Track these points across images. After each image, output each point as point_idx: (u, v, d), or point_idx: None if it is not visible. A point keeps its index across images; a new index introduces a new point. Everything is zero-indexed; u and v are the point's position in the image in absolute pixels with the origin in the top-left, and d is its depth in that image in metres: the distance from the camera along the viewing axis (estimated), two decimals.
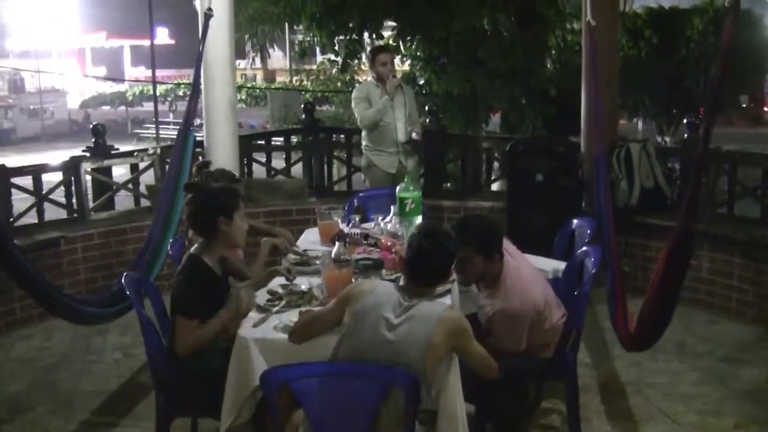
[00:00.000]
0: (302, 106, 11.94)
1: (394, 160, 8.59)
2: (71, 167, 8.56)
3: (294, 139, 11.08)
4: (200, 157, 7.90)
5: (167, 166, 8.01)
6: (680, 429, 5.77)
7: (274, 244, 5.96)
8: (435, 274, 4.26)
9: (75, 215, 8.63)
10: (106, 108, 54.31)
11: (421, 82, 14.93)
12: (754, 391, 6.36)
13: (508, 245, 5.09)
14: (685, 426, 5.80)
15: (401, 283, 4.26)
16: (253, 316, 4.74)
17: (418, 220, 6.12)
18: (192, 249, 4.93)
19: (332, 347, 4.16)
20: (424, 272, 4.22)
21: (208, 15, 7.62)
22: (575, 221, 6.39)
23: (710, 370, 6.78)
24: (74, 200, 8.63)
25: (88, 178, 8.75)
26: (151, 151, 9.10)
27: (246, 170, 10.19)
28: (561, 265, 5.91)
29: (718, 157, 8.25)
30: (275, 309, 4.79)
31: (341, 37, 14.57)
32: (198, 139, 8.12)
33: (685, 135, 9.08)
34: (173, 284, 4.85)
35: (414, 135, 8.54)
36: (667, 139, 19.58)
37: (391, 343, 3.97)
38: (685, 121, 9.65)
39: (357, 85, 13.14)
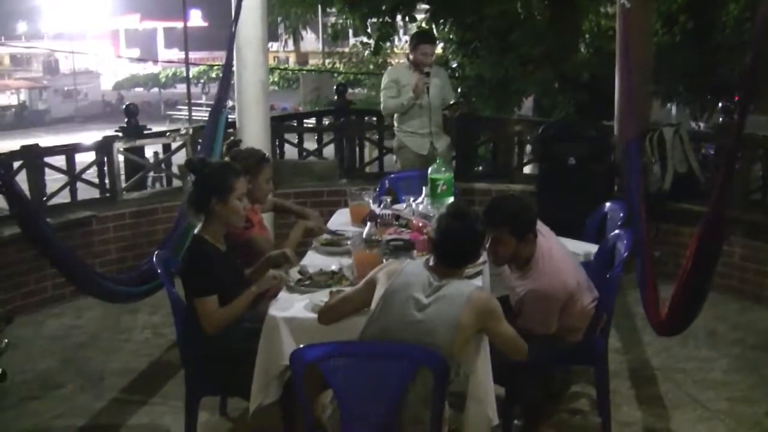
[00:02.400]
0: (334, 88, 11.93)
1: (426, 141, 8.56)
2: (104, 147, 8.60)
3: (326, 120, 11.08)
4: (231, 137, 7.91)
5: (199, 147, 8.03)
6: (711, 415, 5.73)
7: (308, 226, 5.96)
8: (464, 255, 4.23)
9: (107, 195, 8.67)
10: (139, 90, 54.66)
11: (454, 66, 14.88)
12: None
13: (541, 226, 5.05)
14: (715, 413, 5.76)
15: (431, 263, 4.24)
16: (283, 295, 4.75)
17: (449, 201, 6.09)
18: (195, 230, 4.92)
19: (361, 329, 4.15)
20: (452, 253, 4.19)
21: None
22: (608, 205, 6.34)
23: (741, 358, 6.73)
24: (106, 180, 8.67)
25: (121, 158, 8.79)
26: (183, 132, 9.12)
27: (278, 151, 10.21)
28: (593, 248, 5.87)
29: (752, 143, 8.18)
30: (303, 288, 4.79)
31: (374, 20, 14.56)
32: (231, 119, 8.14)
33: (720, 120, 9.01)
34: (180, 266, 4.86)
35: (446, 112, 8.57)
36: (701, 124, 19.45)
37: (420, 322, 3.95)
38: (720, 105, 9.57)
39: (389, 67, 13.15)
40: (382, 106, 8.72)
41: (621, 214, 6.04)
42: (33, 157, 8.02)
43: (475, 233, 4.20)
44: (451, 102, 8.68)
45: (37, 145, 8.17)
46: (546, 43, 13.47)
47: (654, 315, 5.52)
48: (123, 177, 8.87)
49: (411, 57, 8.52)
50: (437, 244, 4.20)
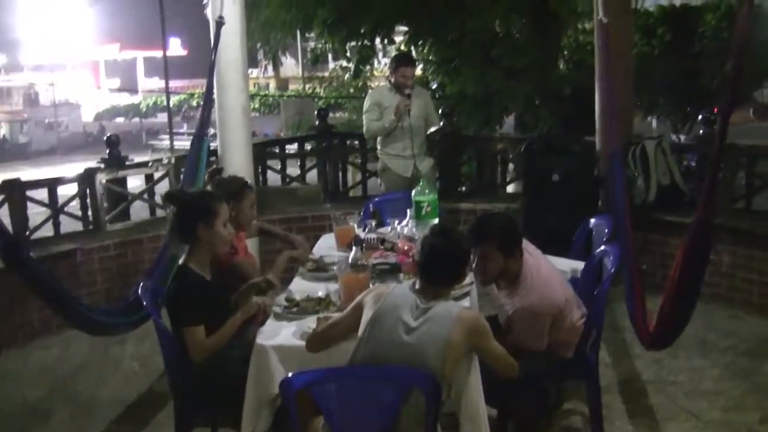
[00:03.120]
0: (316, 112, 11.96)
1: (409, 163, 8.57)
2: (86, 179, 8.57)
3: (308, 145, 11.07)
4: (214, 165, 7.89)
5: (182, 176, 8.01)
6: (704, 426, 5.72)
7: (293, 256, 5.95)
8: (450, 273, 4.22)
9: (91, 227, 8.62)
10: (120, 120, 54.68)
11: (434, 86, 14.91)
12: None
13: (526, 244, 5.06)
14: (708, 423, 5.75)
15: (417, 286, 4.23)
16: (271, 323, 4.73)
17: (434, 223, 6.08)
18: (180, 259, 4.91)
19: (349, 353, 4.13)
20: (438, 271, 4.18)
21: (220, 23, 7.63)
22: (593, 220, 6.35)
23: (733, 366, 6.72)
24: (90, 212, 8.63)
25: (104, 189, 8.75)
26: (165, 161, 9.11)
27: (261, 178, 10.19)
28: (579, 264, 5.86)
29: (735, 152, 8.21)
30: (291, 315, 4.77)
31: (353, 43, 14.59)
32: (212, 147, 8.13)
33: (701, 131, 9.05)
34: (166, 296, 4.84)
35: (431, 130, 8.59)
36: (682, 136, 19.52)
37: (409, 345, 3.94)
38: (700, 117, 9.61)
39: (370, 90, 13.17)
40: (364, 129, 8.73)
41: (606, 229, 6.05)
42: (15, 191, 7.99)
43: (459, 250, 4.20)
44: (433, 129, 8.67)
45: (18, 179, 8.15)
46: (527, 58, 13.52)
47: (642, 328, 5.52)
48: (106, 208, 8.82)
49: (392, 79, 8.54)
50: (422, 265, 4.20)
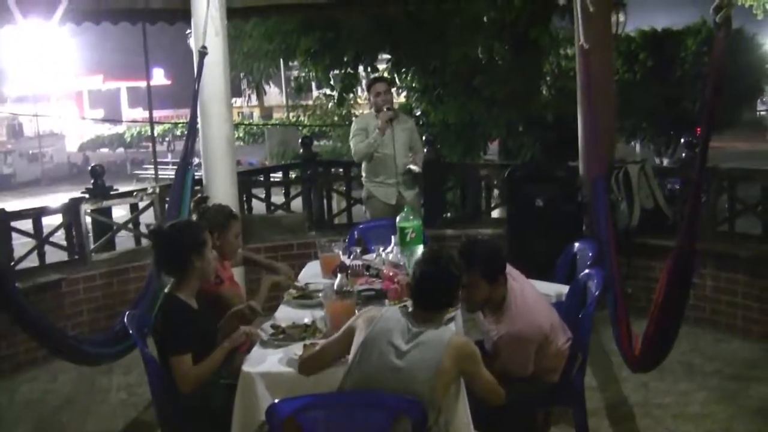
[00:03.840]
0: (300, 140, 11.97)
1: (393, 191, 8.60)
2: (71, 209, 8.56)
3: (293, 173, 11.09)
4: (199, 194, 7.90)
5: (167, 205, 8.01)
6: None
7: (275, 281, 5.96)
8: (440, 299, 4.25)
9: (76, 257, 8.61)
10: (104, 150, 54.46)
11: (418, 113, 14.95)
12: (765, 408, 6.33)
13: (510, 269, 5.07)
14: None
15: (409, 309, 4.25)
16: (257, 350, 4.73)
17: (419, 249, 6.10)
18: (166, 288, 4.91)
19: (338, 380, 4.14)
20: (429, 297, 4.21)
21: (203, 53, 7.65)
22: (577, 244, 6.38)
23: (719, 389, 6.74)
24: (75, 242, 8.61)
25: (88, 219, 8.75)
26: (150, 191, 9.11)
27: (246, 206, 10.20)
28: (564, 288, 5.89)
29: (718, 175, 8.26)
30: (277, 342, 4.78)
31: (336, 72, 14.64)
32: (197, 177, 8.13)
33: (683, 155, 9.10)
34: (153, 325, 4.83)
35: (412, 167, 8.55)
36: (665, 160, 19.60)
37: (399, 369, 3.95)
38: (682, 140, 9.66)
39: (354, 117, 13.18)
40: (353, 152, 8.78)
41: (590, 253, 6.07)
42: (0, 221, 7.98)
43: (449, 276, 4.22)
44: (411, 167, 8.64)
45: (3, 209, 8.13)
46: (509, 86, 13.56)
47: (628, 351, 5.53)
48: (91, 238, 8.81)
49: (370, 103, 8.63)
50: (414, 290, 4.23)
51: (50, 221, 8.65)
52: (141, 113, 53.52)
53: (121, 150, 52.68)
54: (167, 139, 47.36)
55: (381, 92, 8.58)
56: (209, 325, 4.98)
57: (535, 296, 5.09)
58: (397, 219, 6.32)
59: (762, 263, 7.73)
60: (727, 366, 7.25)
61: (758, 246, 7.99)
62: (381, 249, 6.29)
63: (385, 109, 8.47)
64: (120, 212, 9.49)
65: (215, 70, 8.13)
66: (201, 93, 7.95)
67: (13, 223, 8.17)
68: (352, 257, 6.20)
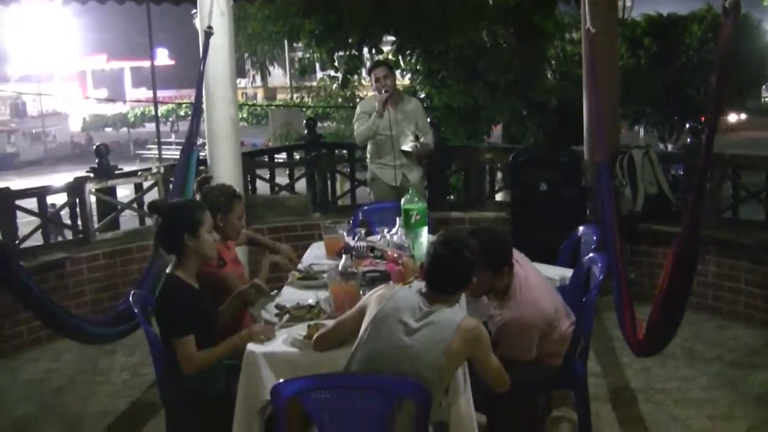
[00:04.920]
0: (304, 122, 11.95)
1: (398, 173, 8.60)
2: (75, 188, 8.56)
3: (297, 155, 11.08)
4: (203, 174, 7.91)
5: (171, 185, 8.01)
6: None
7: (274, 261, 5.96)
8: (453, 281, 4.24)
9: (80, 236, 8.62)
10: (108, 130, 54.50)
11: (422, 96, 14.93)
12: (766, 395, 6.34)
13: (517, 254, 5.07)
14: (697, 431, 5.77)
15: (422, 289, 4.25)
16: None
17: (424, 231, 6.11)
18: (167, 268, 4.91)
19: (342, 362, 4.15)
20: (442, 279, 4.21)
21: (209, 33, 7.64)
22: (581, 229, 6.38)
23: (720, 375, 6.76)
24: (79, 221, 8.62)
25: (93, 199, 8.75)
26: (154, 171, 9.10)
27: (250, 187, 10.20)
28: (568, 272, 5.90)
29: (722, 162, 8.25)
30: (281, 323, 4.78)
31: (341, 54, 14.62)
32: (202, 157, 8.14)
33: (688, 141, 9.09)
34: (154, 306, 4.84)
35: (405, 147, 8.55)
36: (669, 146, 19.58)
37: (407, 347, 3.96)
38: (687, 126, 9.67)
39: (359, 100, 13.16)
40: (355, 135, 8.78)
41: (594, 238, 6.08)
42: (4, 200, 7.98)
43: (463, 259, 4.19)
44: (407, 147, 8.63)
45: (8, 188, 8.13)
46: (513, 71, 13.55)
47: (632, 336, 5.54)
48: (95, 218, 8.82)
49: (372, 87, 8.66)
50: (427, 271, 4.22)
51: (54, 200, 8.65)
52: (144, 93, 53.46)
53: (124, 130, 52.72)
54: (170, 119, 47.40)
55: (381, 77, 8.57)
56: (210, 306, 4.98)
57: (540, 281, 5.09)
58: (402, 201, 6.31)
59: (765, 250, 7.72)
60: (729, 352, 7.26)
61: (762, 233, 7.99)
62: (385, 231, 6.29)
63: (383, 92, 8.48)
64: (124, 192, 9.50)
65: (221, 52, 8.11)
66: (206, 75, 7.94)
67: (18, 202, 8.16)
68: (356, 239, 6.20)
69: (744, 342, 7.50)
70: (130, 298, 5.02)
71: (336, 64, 15.34)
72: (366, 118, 8.59)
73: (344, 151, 11.07)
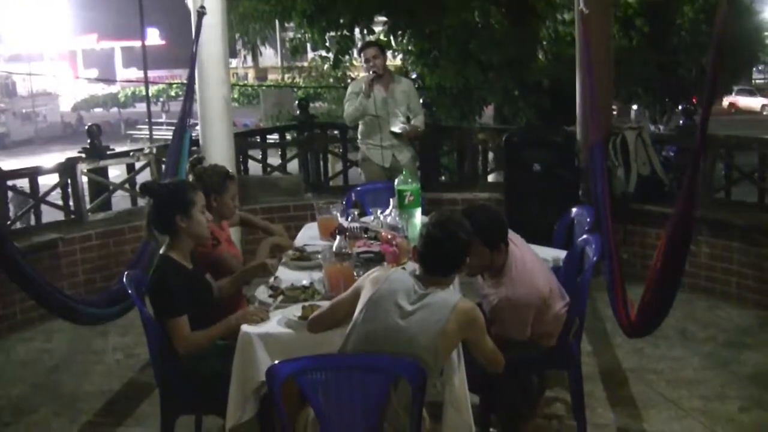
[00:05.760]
0: (296, 102, 11.91)
1: (388, 153, 8.60)
2: (67, 169, 8.54)
3: (289, 135, 11.07)
4: (195, 155, 7.90)
5: (163, 166, 8.00)
6: (684, 414, 5.76)
7: (275, 243, 5.97)
8: (446, 263, 4.21)
9: (72, 217, 8.60)
10: (98, 110, 54.38)
11: (414, 76, 14.90)
12: (757, 375, 6.37)
13: (513, 235, 5.08)
14: (689, 411, 5.79)
15: (417, 272, 4.25)
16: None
17: (418, 212, 6.11)
18: (161, 249, 4.92)
19: (337, 343, 4.15)
20: (435, 261, 4.19)
21: (201, 13, 7.63)
22: (575, 210, 6.38)
23: (713, 356, 6.78)
24: (71, 202, 8.61)
25: (85, 179, 8.73)
26: (147, 151, 9.09)
27: (242, 168, 10.20)
28: (561, 253, 5.90)
29: (715, 143, 8.26)
30: (276, 303, 4.78)
31: (332, 34, 14.57)
32: (194, 137, 8.12)
33: (681, 122, 9.10)
34: (148, 287, 4.84)
35: (395, 128, 8.54)
36: (661, 127, 19.60)
37: (402, 330, 3.95)
38: (680, 107, 9.67)
39: (350, 80, 13.13)
40: (345, 115, 8.78)
41: (588, 219, 6.08)
42: None
43: (456, 241, 4.18)
44: (397, 129, 8.63)
45: None
46: (505, 51, 13.53)
47: (624, 317, 5.57)
48: (87, 198, 8.80)
49: (363, 67, 8.66)
50: (421, 253, 4.21)
51: (46, 181, 8.62)
52: (135, 73, 53.22)
53: (115, 110, 52.58)
54: (161, 99, 47.29)
55: (370, 57, 8.57)
56: (204, 286, 4.99)
57: (535, 261, 5.10)
58: (396, 182, 6.30)
59: (757, 231, 7.75)
60: (721, 333, 7.29)
61: (754, 214, 8.02)
62: (379, 212, 6.28)
63: (371, 73, 8.48)
64: (115, 172, 9.47)
65: (213, 32, 8.10)
66: (199, 55, 7.92)
67: (9, 182, 8.13)
68: (349, 220, 6.20)
69: (736, 322, 7.53)
70: (124, 279, 5.02)
71: (327, 44, 15.29)
72: (355, 98, 8.59)
73: (336, 132, 11.06)
